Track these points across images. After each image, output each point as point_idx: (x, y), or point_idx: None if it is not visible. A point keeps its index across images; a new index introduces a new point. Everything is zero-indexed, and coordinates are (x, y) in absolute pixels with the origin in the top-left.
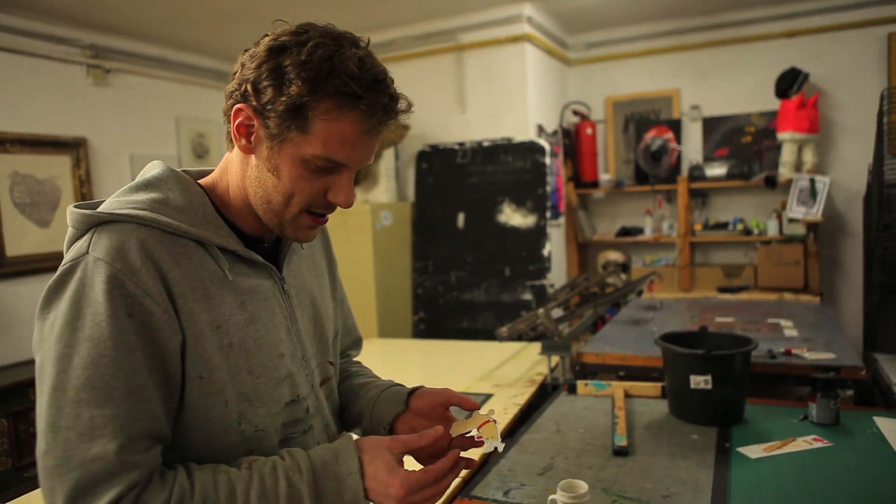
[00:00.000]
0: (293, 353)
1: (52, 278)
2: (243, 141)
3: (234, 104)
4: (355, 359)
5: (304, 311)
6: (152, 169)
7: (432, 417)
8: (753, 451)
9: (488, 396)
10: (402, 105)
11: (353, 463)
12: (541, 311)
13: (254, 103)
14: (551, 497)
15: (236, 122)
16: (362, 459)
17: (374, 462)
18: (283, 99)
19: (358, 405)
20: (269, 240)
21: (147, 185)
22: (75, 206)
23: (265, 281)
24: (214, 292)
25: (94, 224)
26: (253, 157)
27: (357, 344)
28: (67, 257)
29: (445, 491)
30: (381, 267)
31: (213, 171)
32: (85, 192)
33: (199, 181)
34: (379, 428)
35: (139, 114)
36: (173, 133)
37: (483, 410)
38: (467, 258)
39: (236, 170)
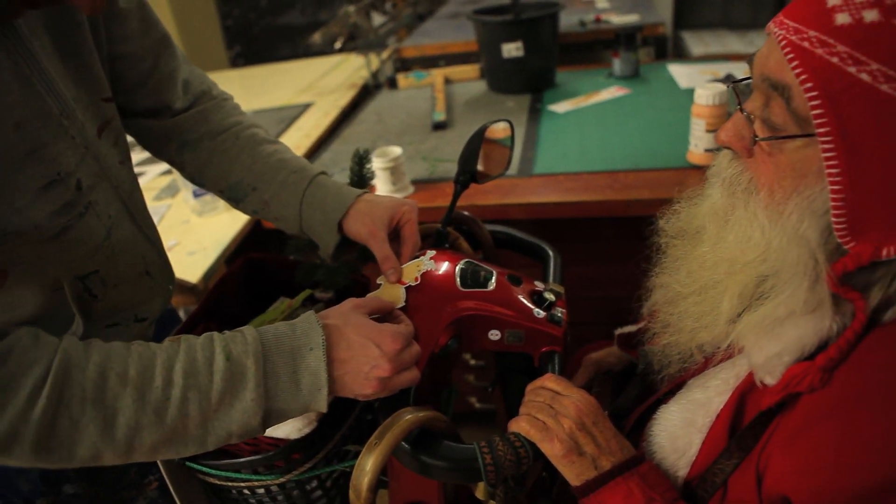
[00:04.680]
0: (42, 112)
1: None
2: None
3: None
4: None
5: (44, 42)
6: None
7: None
8: (562, 107)
9: (308, 105)
10: None
11: (316, 336)
12: (350, 8)
13: None
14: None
15: None
16: (328, 331)
17: (347, 327)
18: None
19: (271, 194)
20: None
21: None
22: None
23: None
24: None
25: None
26: None
27: (165, 43)
28: None
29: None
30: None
31: None
32: None
33: None
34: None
35: None
36: None
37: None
38: None
39: None
